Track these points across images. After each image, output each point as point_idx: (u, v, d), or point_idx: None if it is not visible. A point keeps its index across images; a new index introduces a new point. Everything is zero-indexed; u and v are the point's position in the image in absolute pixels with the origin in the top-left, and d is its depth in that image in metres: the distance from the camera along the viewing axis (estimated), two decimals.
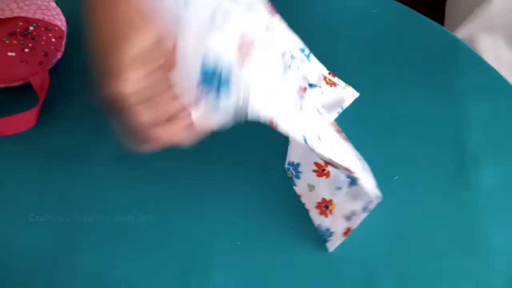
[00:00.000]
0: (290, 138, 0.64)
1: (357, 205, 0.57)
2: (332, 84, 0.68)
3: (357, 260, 0.60)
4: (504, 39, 0.95)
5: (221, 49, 0.41)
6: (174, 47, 0.35)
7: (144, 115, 0.35)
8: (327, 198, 0.62)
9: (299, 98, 0.59)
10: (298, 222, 0.62)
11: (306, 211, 0.63)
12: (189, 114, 0.38)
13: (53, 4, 0.76)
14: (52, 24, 0.74)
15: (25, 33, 0.71)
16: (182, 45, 0.38)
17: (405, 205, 0.63)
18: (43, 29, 0.72)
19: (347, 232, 0.58)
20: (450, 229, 0.62)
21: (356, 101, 0.71)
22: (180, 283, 0.58)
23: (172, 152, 0.67)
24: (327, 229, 0.60)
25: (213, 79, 0.40)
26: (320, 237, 0.61)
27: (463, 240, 0.61)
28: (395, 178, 0.65)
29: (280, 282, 0.59)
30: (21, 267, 0.60)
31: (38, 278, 0.59)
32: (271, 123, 0.46)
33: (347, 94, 0.69)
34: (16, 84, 0.70)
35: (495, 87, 0.73)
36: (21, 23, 0.72)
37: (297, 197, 0.64)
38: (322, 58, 0.68)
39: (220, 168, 0.66)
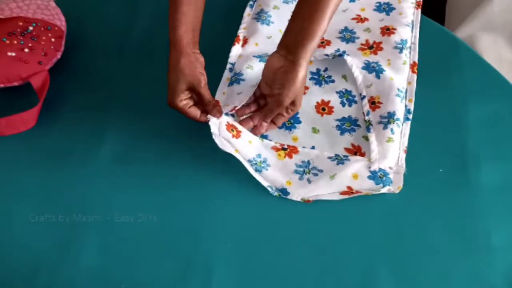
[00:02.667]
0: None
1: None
2: None
3: (357, 260, 0.60)
4: (504, 39, 0.95)
5: None
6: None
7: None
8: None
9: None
10: (298, 223, 0.62)
11: (304, 212, 0.63)
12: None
13: (53, 4, 0.76)
14: (51, 23, 0.73)
15: (24, 33, 0.71)
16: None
17: (404, 205, 0.63)
18: (42, 29, 0.72)
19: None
20: (450, 229, 0.62)
21: None
22: (180, 283, 0.58)
23: (173, 153, 0.67)
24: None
25: None
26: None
27: (463, 240, 0.61)
28: None
29: (280, 282, 0.59)
30: (21, 267, 0.60)
31: (38, 278, 0.59)
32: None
33: None
34: (15, 84, 0.70)
35: (495, 86, 0.72)
36: (20, 23, 0.71)
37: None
38: None
39: (221, 169, 0.66)
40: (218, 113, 0.63)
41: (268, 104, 0.65)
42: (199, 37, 0.65)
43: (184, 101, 0.63)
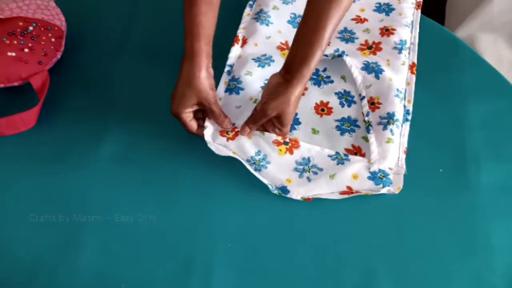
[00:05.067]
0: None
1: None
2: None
3: (357, 260, 0.60)
4: (504, 39, 0.95)
5: None
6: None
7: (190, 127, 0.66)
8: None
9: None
10: (298, 223, 0.62)
11: (304, 212, 0.63)
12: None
13: (53, 4, 0.76)
14: (51, 23, 0.73)
15: (24, 33, 0.71)
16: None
17: (405, 205, 0.63)
18: (42, 28, 0.72)
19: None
20: (450, 229, 0.62)
21: None
22: (180, 283, 0.58)
23: (173, 153, 0.67)
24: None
25: None
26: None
27: (463, 240, 0.61)
28: None
29: (280, 283, 0.59)
30: (21, 266, 0.59)
31: (38, 278, 0.59)
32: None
33: None
34: (15, 84, 0.70)
35: (495, 86, 0.72)
36: (20, 23, 0.71)
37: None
38: None
39: (221, 169, 0.66)
40: (229, 125, 0.65)
41: (254, 113, 0.65)
42: (212, 49, 0.65)
43: (189, 113, 0.64)
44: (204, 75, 0.63)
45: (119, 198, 0.64)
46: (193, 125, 0.65)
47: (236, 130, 0.66)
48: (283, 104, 0.61)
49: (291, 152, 0.65)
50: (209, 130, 0.66)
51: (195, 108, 0.64)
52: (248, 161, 0.64)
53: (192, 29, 0.63)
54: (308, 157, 0.65)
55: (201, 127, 0.66)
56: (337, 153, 0.65)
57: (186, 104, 0.63)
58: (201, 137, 0.66)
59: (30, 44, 0.70)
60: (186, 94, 0.63)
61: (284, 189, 0.63)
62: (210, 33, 0.64)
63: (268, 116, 0.62)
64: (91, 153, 0.67)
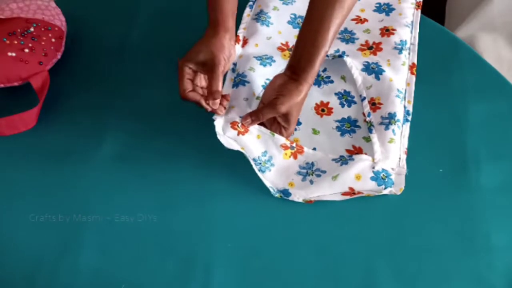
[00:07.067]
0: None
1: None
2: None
3: (357, 260, 0.60)
4: (504, 39, 0.95)
5: None
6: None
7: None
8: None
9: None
10: (299, 223, 0.62)
11: (305, 212, 0.63)
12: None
13: (53, 4, 0.76)
14: (52, 24, 0.73)
15: (25, 33, 0.71)
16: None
17: (404, 205, 0.63)
18: (43, 29, 0.72)
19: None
20: (450, 229, 0.61)
21: None
22: (180, 283, 0.58)
23: (173, 153, 0.67)
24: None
25: None
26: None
27: (463, 240, 0.61)
28: None
29: (280, 283, 0.59)
30: (21, 267, 0.60)
31: (38, 278, 0.59)
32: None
33: None
34: (15, 84, 0.70)
35: (495, 86, 0.72)
36: (21, 23, 0.72)
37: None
38: None
39: (221, 169, 0.66)
40: (215, 106, 0.63)
41: (262, 107, 0.64)
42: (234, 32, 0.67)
43: (189, 69, 0.63)
44: (225, 41, 0.63)
45: (119, 198, 0.64)
46: (186, 84, 0.63)
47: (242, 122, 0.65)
48: (293, 101, 0.61)
49: (295, 157, 0.65)
50: (220, 122, 0.65)
51: (199, 67, 0.63)
52: (254, 160, 0.64)
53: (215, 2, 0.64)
54: (312, 162, 0.65)
55: (201, 96, 0.64)
56: (341, 156, 0.65)
57: (192, 57, 0.62)
58: (197, 104, 0.64)
59: (30, 45, 0.70)
60: (196, 49, 0.63)
61: (285, 192, 0.63)
62: (233, 8, 0.66)
63: (278, 112, 0.62)
64: (91, 153, 0.67)
